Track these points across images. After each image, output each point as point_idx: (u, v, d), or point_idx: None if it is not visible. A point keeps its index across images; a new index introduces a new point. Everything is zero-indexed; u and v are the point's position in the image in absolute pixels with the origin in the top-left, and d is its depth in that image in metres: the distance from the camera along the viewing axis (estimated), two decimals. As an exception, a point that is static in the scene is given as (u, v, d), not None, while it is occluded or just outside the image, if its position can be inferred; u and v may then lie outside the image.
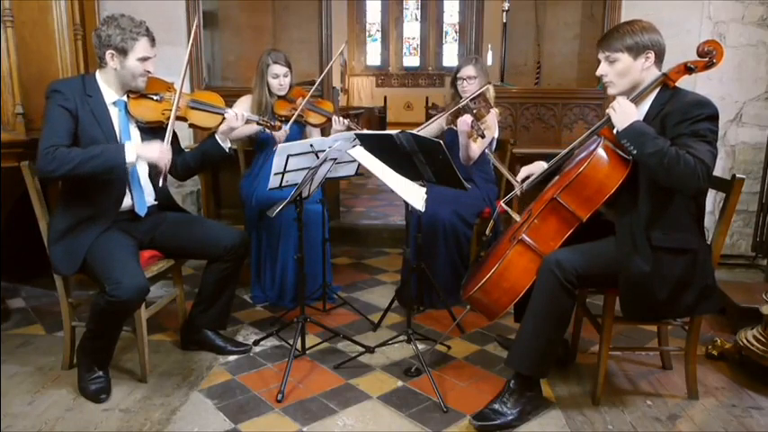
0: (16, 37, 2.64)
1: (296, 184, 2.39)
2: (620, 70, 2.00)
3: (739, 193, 2.06)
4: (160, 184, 2.31)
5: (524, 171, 2.32)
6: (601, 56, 2.04)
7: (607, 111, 1.99)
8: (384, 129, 8.14)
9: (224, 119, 2.42)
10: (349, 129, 3.00)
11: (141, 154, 2.19)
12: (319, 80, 3.16)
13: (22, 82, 2.67)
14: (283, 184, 2.48)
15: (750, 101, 3.74)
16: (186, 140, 3.63)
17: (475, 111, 2.87)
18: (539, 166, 2.30)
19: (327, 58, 4.07)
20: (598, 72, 2.07)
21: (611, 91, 2.07)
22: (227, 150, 2.46)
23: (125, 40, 2.18)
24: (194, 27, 2.36)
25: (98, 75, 2.28)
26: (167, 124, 2.29)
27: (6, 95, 2.65)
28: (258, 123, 2.65)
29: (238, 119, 2.43)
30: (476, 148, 3.03)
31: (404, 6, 15.36)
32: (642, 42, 1.96)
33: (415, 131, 2.36)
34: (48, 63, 2.84)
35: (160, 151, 2.22)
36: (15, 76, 2.65)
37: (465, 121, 2.85)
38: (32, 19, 2.78)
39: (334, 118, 3.05)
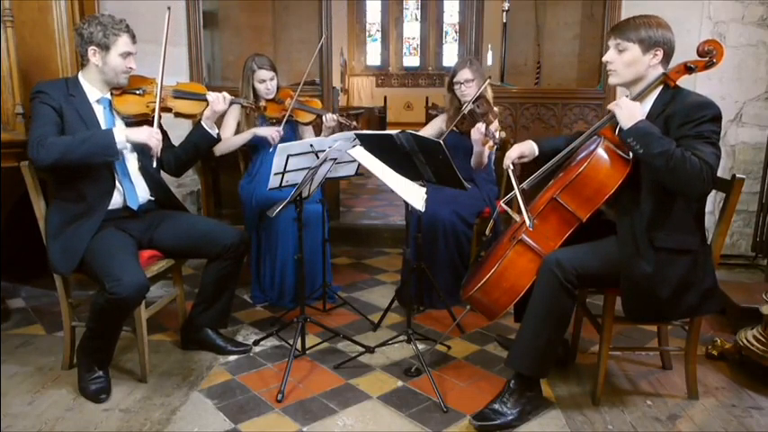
0: (16, 37, 2.63)
1: (296, 184, 2.39)
2: (628, 60, 1.99)
3: (739, 193, 2.05)
4: (154, 165, 2.32)
5: (516, 150, 2.28)
6: (611, 42, 2.03)
7: (610, 107, 1.98)
8: (384, 129, 8.14)
9: (207, 103, 2.47)
10: (340, 124, 3.05)
11: (130, 136, 2.21)
12: (304, 78, 3.19)
13: (22, 82, 2.67)
14: (283, 185, 2.48)
15: (750, 101, 3.74)
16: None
17: (482, 114, 2.83)
18: (529, 146, 2.28)
19: (327, 57, 4.08)
20: (605, 58, 2.06)
21: (612, 80, 2.07)
22: (216, 136, 2.50)
23: (107, 35, 2.23)
24: (167, 25, 2.40)
25: (80, 75, 2.32)
26: (152, 117, 2.33)
27: (6, 95, 2.65)
28: (243, 106, 2.76)
29: (221, 101, 2.48)
30: (489, 153, 3.01)
31: (404, 6, 15.37)
32: (655, 38, 1.95)
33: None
34: (48, 63, 2.83)
35: (149, 133, 2.24)
36: (15, 76, 2.64)
37: (479, 129, 2.78)
38: (32, 19, 2.78)
39: (325, 116, 3.05)
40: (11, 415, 2.10)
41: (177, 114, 2.50)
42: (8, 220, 3.07)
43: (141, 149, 2.36)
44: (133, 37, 2.31)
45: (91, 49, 2.24)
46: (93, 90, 2.31)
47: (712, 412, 2.15)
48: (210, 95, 2.48)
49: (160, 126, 2.48)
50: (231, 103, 2.62)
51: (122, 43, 2.26)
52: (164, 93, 2.38)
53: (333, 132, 3.04)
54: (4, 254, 3.08)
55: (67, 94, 2.24)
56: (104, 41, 2.23)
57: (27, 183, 2.26)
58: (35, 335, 2.79)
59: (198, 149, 2.53)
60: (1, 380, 2.32)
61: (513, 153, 2.28)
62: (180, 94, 2.49)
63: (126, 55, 2.27)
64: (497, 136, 2.60)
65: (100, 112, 2.31)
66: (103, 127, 2.30)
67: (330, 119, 3.05)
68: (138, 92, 2.38)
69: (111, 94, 2.34)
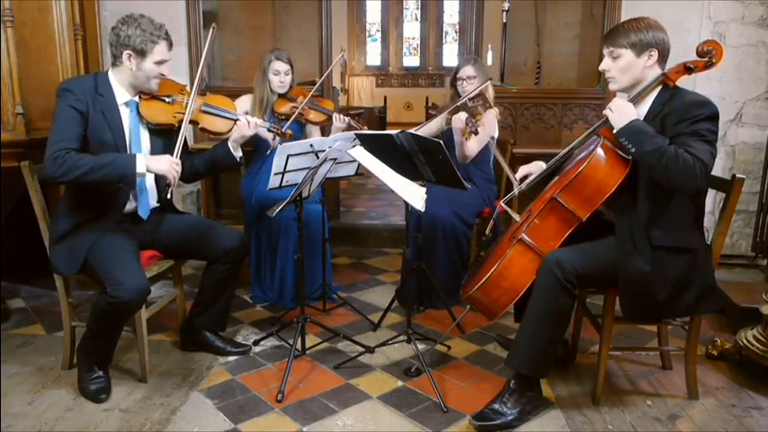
0: (16, 37, 2.64)
1: (296, 184, 2.39)
2: (623, 66, 2.00)
3: (739, 193, 2.06)
4: (168, 196, 2.25)
5: (522, 170, 2.33)
6: (605, 51, 2.04)
7: (604, 111, 1.99)
8: (384, 129, 8.14)
9: (236, 125, 2.40)
10: (350, 126, 3.01)
11: (150, 166, 2.14)
12: (320, 81, 3.19)
13: (22, 82, 2.67)
14: (283, 184, 2.48)
15: (750, 101, 3.74)
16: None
17: (471, 108, 2.86)
18: (537, 166, 2.30)
19: (327, 58, 4.08)
20: (601, 67, 2.07)
21: (612, 86, 2.07)
22: (239, 159, 2.45)
23: (145, 42, 2.15)
24: (212, 32, 2.34)
25: (111, 73, 2.25)
26: (178, 127, 2.28)
27: (6, 95, 2.65)
28: (269, 131, 2.67)
29: (250, 126, 2.41)
30: (471, 146, 3.01)
31: (404, 6, 15.36)
32: (646, 40, 1.96)
33: (413, 130, 2.36)
34: (48, 63, 2.84)
35: (170, 164, 2.17)
36: (15, 76, 2.65)
37: (459, 117, 2.83)
38: (32, 19, 2.78)
39: (335, 116, 3.05)
40: (11, 415, 2.10)
41: (203, 130, 2.45)
42: (8, 220, 3.07)
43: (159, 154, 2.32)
44: (171, 44, 2.24)
45: (126, 53, 2.17)
46: (122, 91, 2.25)
47: (712, 412, 2.16)
48: (241, 119, 2.40)
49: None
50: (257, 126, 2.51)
51: (159, 51, 2.18)
52: (194, 105, 2.32)
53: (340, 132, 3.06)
54: (4, 254, 3.08)
55: (96, 92, 2.18)
56: (142, 47, 2.15)
57: (27, 183, 2.26)
58: (35, 335, 2.79)
59: (217, 166, 2.50)
60: (1, 380, 2.32)
61: (519, 174, 2.30)
62: (210, 110, 2.41)
63: (161, 62, 2.21)
64: (476, 124, 2.71)
65: (126, 114, 2.25)
66: (128, 132, 2.25)
67: (341, 119, 3.03)
68: (167, 99, 2.31)
69: (140, 97, 2.28)
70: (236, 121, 2.41)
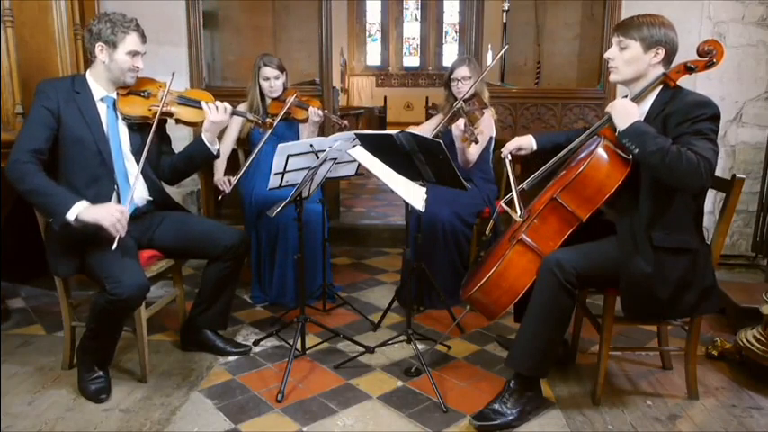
0: (16, 37, 2.64)
1: (296, 184, 2.39)
2: (628, 58, 1.99)
3: (739, 193, 2.06)
4: (113, 247, 2.01)
5: (514, 142, 2.35)
6: (614, 39, 2.03)
7: (606, 110, 1.99)
8: (384, 129, 8.13)
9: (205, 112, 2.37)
10: (330, 120, 3.08)
11: (85, 216, 2.00)
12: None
13: (22, 82, 2.67)
14: (283, 184, 2.48)
15: (750, 101, 3.74)
16: (186, 141, 3.63)
17: (468, 113, 2.85)
18: (527, 140, 2.35)
19: (327, 58, 4.08)
20: (606, 54, 2.07)
21: (612, 77, 2.07)
22: (215, 152, 2.42)
23: (115, 32, 2.21)
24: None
25: (88, 72, 2.31)
26: (153, 121, 2.30)
27: (6, 95, 2.65)
28: (249, 120, 2.68)
29: (218, 112, 2.36)
30: (472, 151, 3.02)
31: (404, 6, 15.38)
32: (656, 37, 1.95)
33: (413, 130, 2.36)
34: (48, 63, 2.84)
35: (109, 213, 2.01)
36: (15, 76, 2.65)
37: (458, 125, 2.83)
38: (32, 19, 2.79)
39: (311, 109, 3.03)
40: (11, 415, 2.10)
41: (178, 121, 2.44)
42: (8, 220, 3.07)
43: (139, 149, 2.31)
44: (143, 36, 2.29)
45: (98, 46, 2.23)
46: (99, 89, 2.29)
47: (712, 412, 2.16)
48: (207, 105, 2.36)
49: (164, 131, 2.46)
50: (233, 115, 2.49)
51: (130, 42, 2.24)
52: (169, 97, 2.35)
53: (317, 126, 3.09)
54: (4, 254, 3.08)
55: (72, 91, 2.22)
56: (112, 38, 2.21)
57: (27, 183, 2.26)
58: (35, 335, 2.79)
59: (193, 161, 2.47)
60: (1, 380, 2.32)
61: (511, 145, 2.35)
62: (184, 101, 2.42)
63: (133, 54, 2.25)
64: (474, 134, 2.69)
65: (103, 110, 2.29)
66: (105, 127, 2.27)
67: (314, 113, 3.01)
68: (143, 94, 2.35)
69: (117, 93, 2.32)
70: (202, 107, 2.38)
